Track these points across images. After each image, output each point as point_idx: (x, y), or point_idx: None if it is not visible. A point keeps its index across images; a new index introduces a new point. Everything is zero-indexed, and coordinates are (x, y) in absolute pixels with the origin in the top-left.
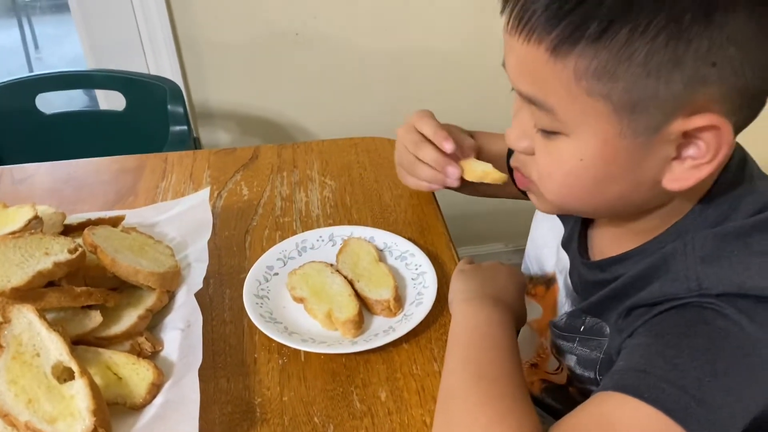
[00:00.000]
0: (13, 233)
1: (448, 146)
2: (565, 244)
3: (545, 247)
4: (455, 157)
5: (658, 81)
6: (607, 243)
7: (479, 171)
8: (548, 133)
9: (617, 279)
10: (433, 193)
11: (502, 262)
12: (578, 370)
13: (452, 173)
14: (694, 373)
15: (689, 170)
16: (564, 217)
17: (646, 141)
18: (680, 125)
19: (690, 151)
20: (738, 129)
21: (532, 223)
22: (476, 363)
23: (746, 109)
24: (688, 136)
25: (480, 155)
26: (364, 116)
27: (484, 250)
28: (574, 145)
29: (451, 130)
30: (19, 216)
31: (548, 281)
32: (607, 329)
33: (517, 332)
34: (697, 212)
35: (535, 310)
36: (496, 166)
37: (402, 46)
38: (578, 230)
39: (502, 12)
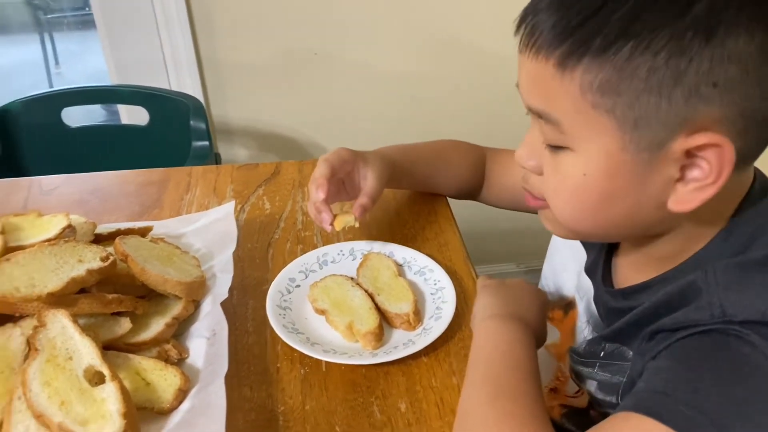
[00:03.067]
0: (48, 240)
1: (318, 195)
2: (589, 271)
3: (565, 272)
4: (360, 198)
5: (660, 97)
6: (630, 271)
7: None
8: (555, 148)
9: (639, 306)
10: (450, 210)
11: (526, 280)
12: (599, 395)
13: (324, 219)
14: (715, 398)
15: (693, 192)
16: (587, 244)
17: (649, 157)
18: (682, 143)
19: (694, 173)
20: (746, 155)
21: (551, 246)
22: (495, 381)
23: (753, 135)
24: (690, 156)
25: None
26: (379, 134)
27: (496, 270)
28: (579, 159)
29: (345, 177)
30: (53, 224)
31: (567, 306)
32: (629, 353)
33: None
34: (719, 241)
35: (552, 334)
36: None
37: (416, 68)
38: (603, 258)
39: (515, 33)
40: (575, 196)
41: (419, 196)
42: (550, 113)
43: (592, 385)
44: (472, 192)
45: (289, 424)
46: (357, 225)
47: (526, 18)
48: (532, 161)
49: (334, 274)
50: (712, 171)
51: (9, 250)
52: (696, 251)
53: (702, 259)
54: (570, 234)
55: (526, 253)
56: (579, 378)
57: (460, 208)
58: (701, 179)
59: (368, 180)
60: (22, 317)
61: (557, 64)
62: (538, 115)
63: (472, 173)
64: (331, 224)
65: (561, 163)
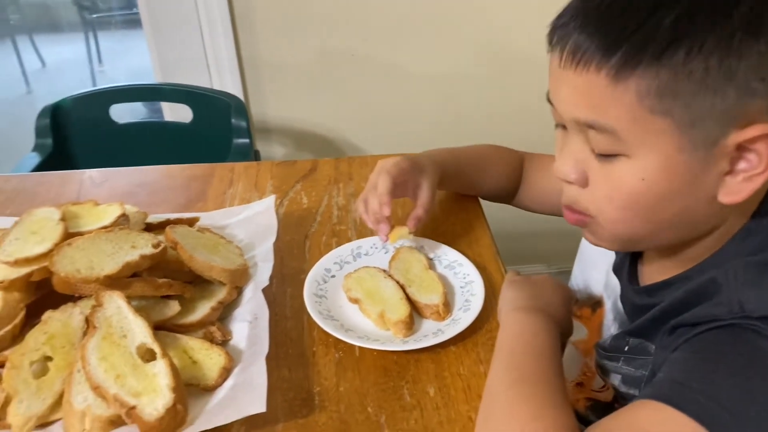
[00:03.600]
0: (104, 227)
1: (384, 211)
2: (616, 270)
3: (594, 270)
4: (416, 210)
5: (715, 96)
6: (654, 270)
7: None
8: (607, 157)
9: (662, 303)
10: (481, 208)
11: (551, 275)
12: (623, 389)
13: (383, 230)
14: (730, 388)
15: (742, 183)
16: None
17: (705, 155)
18: (735, 137)
19: (741, 165)
20: None
21: (581, 245)
22: (518, 368)
23: None
24: (741, 149)
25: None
26: (413, 135)
27: (527, 271)
28: (636, 164)
29: (401, 186)
30: (109, 213)
31: (595, 304)
32: (652, 348)
33: (563, 344)
34: (738, 240)
35: (580, 331)
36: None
37: (450, 70)
38: (629, 258)
39: (549, 50)
40: (632, 200)
41: (451, 194)
42: (603, 123)
43: (616, 379)
44: (507, 197)
45: (324, 403)
46: (411, 237)
47: (561, 36)
48: (575, 174)
49: (367, 266)
50: (761, 161)
51: (69, 235)
52: (717, 249)
53: (722, 257)
54: (618, 243)
55: (557, 253)
56: (604, 372)
57: (491, 208)
58: (749, 170)
59: (423, 191)
60: (80, 298)
61: (610, 75)
62: (588, 126)
63: (510, 179)
64: (387, 236)
65: (615, 170)
